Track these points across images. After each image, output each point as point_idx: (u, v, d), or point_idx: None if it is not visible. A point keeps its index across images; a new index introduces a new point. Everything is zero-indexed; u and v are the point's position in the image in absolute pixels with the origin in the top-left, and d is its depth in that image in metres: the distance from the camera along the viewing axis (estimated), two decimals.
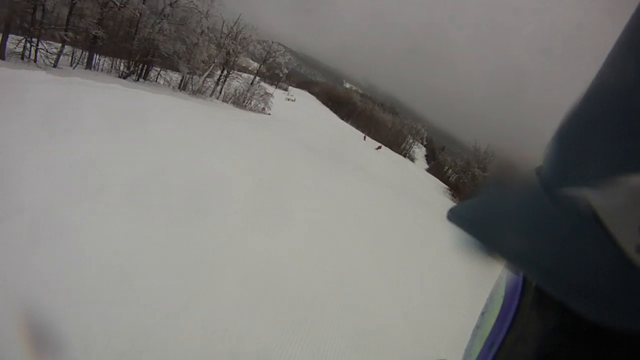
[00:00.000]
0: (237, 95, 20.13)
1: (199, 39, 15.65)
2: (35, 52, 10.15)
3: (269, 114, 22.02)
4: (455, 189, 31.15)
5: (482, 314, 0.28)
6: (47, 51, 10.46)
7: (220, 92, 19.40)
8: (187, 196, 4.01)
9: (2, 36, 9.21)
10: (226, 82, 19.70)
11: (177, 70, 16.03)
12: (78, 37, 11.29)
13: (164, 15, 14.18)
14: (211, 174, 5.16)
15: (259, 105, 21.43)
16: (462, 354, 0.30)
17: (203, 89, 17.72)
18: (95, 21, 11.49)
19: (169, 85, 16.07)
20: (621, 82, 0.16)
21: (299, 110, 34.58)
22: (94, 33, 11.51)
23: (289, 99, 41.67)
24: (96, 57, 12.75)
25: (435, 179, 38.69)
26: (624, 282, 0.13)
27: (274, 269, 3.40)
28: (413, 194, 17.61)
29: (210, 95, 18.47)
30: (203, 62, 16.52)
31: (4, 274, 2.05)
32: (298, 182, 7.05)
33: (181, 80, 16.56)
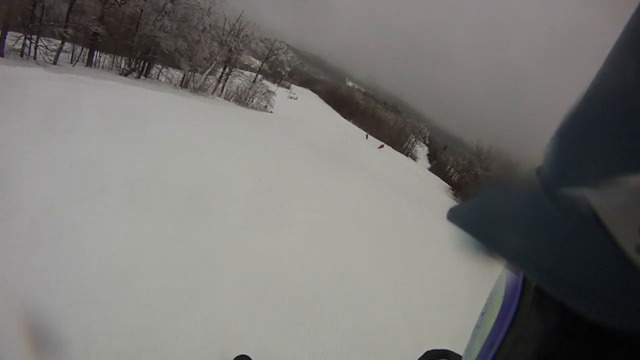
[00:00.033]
0: (239, 93, 20.13)
1: (200, 36, 15.61)
2: (35, 49, 10.09)
3: (271, 112, 22.02)
4: (458, 188, 31.22)
5: (482, 314, 0.29)
6: (46, 48, 10.40)
7: (222, 90, 19.40)
8: (187, 196, 4.01)
9: (1, 33, 9.16)
10: (228, 80, 19.69)
11: (178, 67, 16.02)
12: (78, 34, 11.26)
13: (165, 12, 14.14)
14: (211, 174, 5.16)
15: (261, 104, 21.44)
16: (462, 354, 0.30)
17: (205, 87, 17.70)
18: (95, 18, 11.46)
19: (171, 83, 16.05)
20: (621, 82, 0.16)
21: (301, 108, 34.56)
22: (94, 30, 11.49)
23: (291, 97, 41.74)
24: (97, 54, 12.71)
25: (438, 178, 38.73)
26: (624, 282, 0.13)
27: (274, 269, 3.41)
28: (415, 193, 17.57)
29: (212, 93, 18.45)
30: (205, 59, 16.50)
31: (4, 274, 2.06)
32: (298, 182, 7.05)
33: (183, 78, 16.54)
